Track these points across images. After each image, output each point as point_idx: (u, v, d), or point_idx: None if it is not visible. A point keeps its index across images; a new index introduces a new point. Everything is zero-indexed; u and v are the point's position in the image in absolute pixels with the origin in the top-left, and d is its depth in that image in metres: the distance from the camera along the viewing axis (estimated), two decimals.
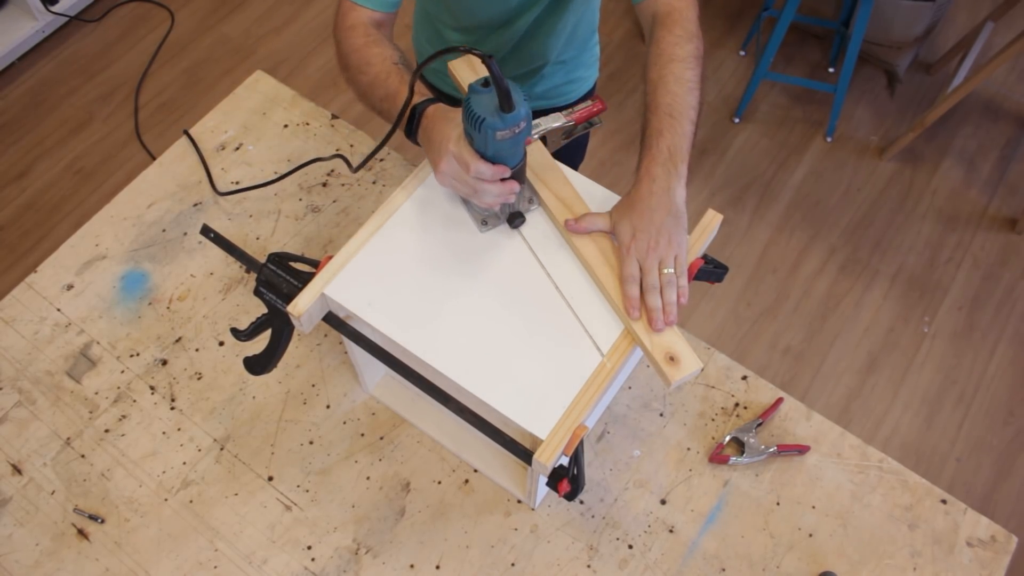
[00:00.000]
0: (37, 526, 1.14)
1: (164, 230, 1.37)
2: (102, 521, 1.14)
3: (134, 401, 1.22)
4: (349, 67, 1.07)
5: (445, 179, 0.96)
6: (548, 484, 1.00)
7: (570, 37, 1.35)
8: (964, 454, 2.13)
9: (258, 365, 1.08)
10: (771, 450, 1.17)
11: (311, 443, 1.19)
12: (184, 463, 1.18)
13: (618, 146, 2.62)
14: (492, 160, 0.92)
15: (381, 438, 1.20)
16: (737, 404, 1.22)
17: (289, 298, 0.97)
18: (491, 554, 1.11)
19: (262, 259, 1.01)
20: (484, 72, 1.12)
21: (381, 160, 1.44)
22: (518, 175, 0.96)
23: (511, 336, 0.95)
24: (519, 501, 1.15)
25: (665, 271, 0.96)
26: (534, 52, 1.33)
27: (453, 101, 1.12)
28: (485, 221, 1.02)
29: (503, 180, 0.95)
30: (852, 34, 2.35)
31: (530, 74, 1.40)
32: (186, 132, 1.45)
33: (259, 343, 1.06)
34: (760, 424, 1.19)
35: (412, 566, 1.11)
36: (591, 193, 1.06)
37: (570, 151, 1.26)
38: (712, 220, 1.04)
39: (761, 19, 2.71)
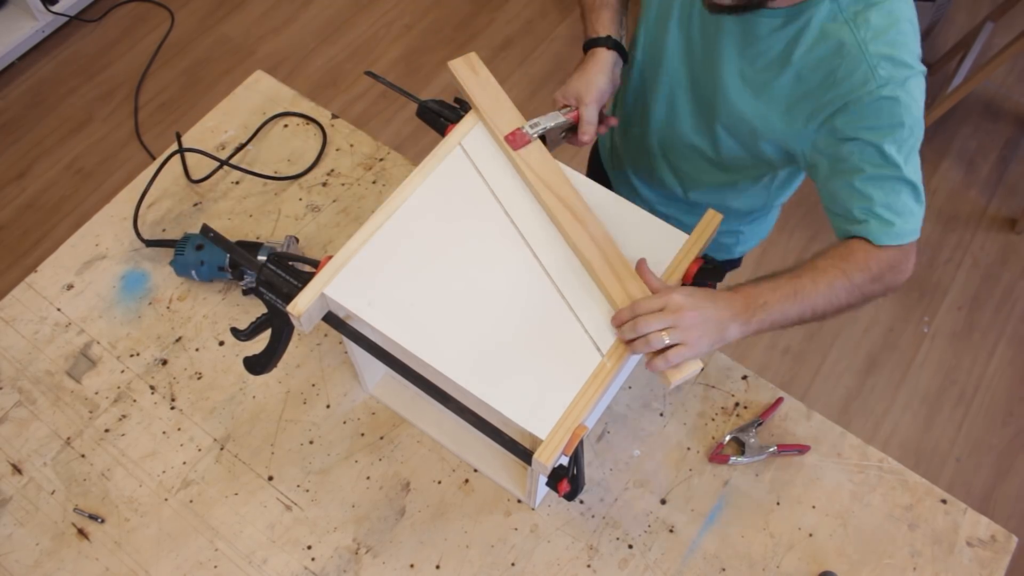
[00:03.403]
0: (37, 526, 1.14)
1: (164, 230, 1.37)
2: (102, 521, 1.14)
3: (134, 401, 1.22)
4: None
5: None
6: (548, 484, 1.00)
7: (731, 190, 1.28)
8: (964, 454, 2.13)
9: (258, 365, 1.08)
10: (771, 450, 1.17)
11: (311, 443, 1.19)
12: (184, 463, 1.18)
13: None
14: None
15: (381, 438, 1.20)
16: (737, 404, 1.22)
17: (289, 298, 0.97)
18: (491, 554, 1.11)
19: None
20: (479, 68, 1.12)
21: (381, 160, 1.44)
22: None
23: (511, 336, 0.95)
24: (519, 501, 1.15)
25: (664, 337, 0.90)
26: (682, 174, 1.30)
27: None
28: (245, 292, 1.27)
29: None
30: None
31: (671, 197, 1.35)
32: (177, 135, 1.44)
33: (259, 343, 1.06)
34: (760, 424, 1.19)
35: (412, 566, 1.11)
36: (591, 193, 1.06)
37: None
38: (712, 220, 1.04)
39: None
